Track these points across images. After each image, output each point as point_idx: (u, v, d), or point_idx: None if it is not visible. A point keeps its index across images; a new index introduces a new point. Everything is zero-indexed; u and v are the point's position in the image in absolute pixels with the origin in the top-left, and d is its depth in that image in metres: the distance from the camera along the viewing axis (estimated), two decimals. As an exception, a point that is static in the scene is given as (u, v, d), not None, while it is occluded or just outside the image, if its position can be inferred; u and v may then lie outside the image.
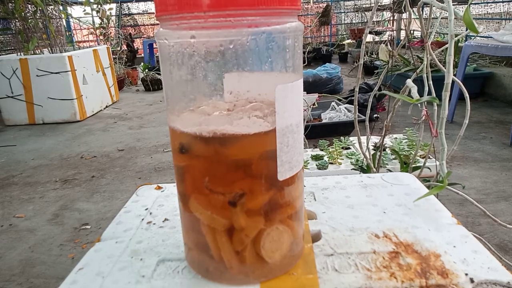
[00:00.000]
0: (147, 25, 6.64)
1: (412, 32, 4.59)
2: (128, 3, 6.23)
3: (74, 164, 2.17)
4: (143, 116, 3.21)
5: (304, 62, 0.91)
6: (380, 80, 0.88)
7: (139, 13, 6.57)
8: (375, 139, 1.52)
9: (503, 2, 4.35)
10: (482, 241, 0.52)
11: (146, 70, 4.40)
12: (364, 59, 0.79)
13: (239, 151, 0.31)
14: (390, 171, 1.32)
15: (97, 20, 4.98)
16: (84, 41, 5.88)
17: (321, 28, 6.75)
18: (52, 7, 3.43)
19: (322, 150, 1.65)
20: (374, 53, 4.59)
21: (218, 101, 0.32)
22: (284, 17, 0.30)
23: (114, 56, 4.42)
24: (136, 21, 6.57)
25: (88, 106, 3.27)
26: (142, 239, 0.43)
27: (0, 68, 2.96)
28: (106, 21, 4.85)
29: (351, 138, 1.76)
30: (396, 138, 1.63)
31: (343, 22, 7.19)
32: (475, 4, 4.56)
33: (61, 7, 3.79)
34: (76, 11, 5.06)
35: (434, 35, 1.45)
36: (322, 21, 5.68)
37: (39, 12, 3.21)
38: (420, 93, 0.60)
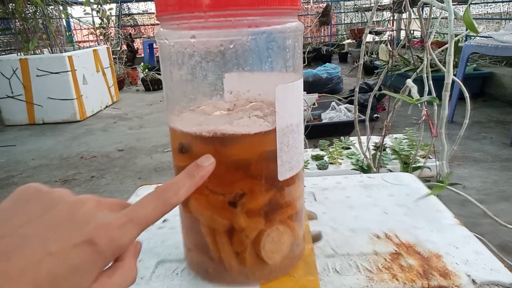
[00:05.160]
0: (147, 25, 6.64)
1: (412, 32, 4.59)
2: (128, 3, 6.22)
3: (74, 164, 2.17)
4: (143, 116, 3.21)
5: (304, 62, 0.91)
6: (380, 80, 0.87)
7: (139, 13, 6.57)
8: (375, 139, 1.52)
9: (503, 2, 4.35)
10: (484, 242, 0.51)
11: (146, 70, 4.39)
12: (364, 59, 0.79)
13: (239, 151, 0.31)
14: (391, 171, 1.32)
15: (97, 20, 4.97)
16: (84, 41, 5.88)
17: (321, 28, 6.74)
18: (52, 7, 3.43)
19: (322, 150, 1.65)
20: (374, 53, 4.59)
21: (218, 101, 0.32)
22: (284, 17, 0.30)
23: (114, 56, 4.42)
24: (136, 21, 6.57)
25: (88, 106, 3.27)
26: (141, 240, 0.42)
27: (0, 68, 2.96)
28: (106, 21, 4.85)
29: (351, 138, 1.75)
30: (396, 138, 1.63)
31: (343, 22, 7.19)
32: (475, 4, 4.56)
33: (61, 7, 3.79)
34: (76, 11, 5.06)
35: (434, 35, 1.45)
36: (322, 21, 5.68)
37: (39, 12, 3.21)
38: (420, 93, 0.60)
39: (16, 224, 0.21)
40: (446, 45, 0.55)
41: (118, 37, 5.35)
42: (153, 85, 4.27)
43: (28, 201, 0.22)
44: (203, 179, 0.28)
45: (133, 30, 6.43)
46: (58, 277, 0.19)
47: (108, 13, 4.82)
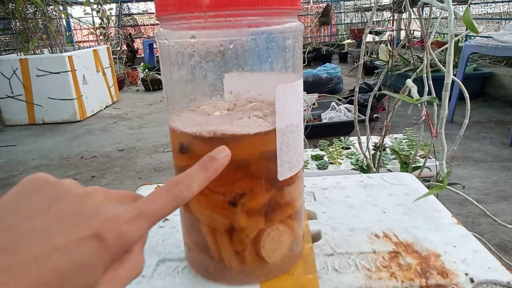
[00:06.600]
0: (147, 25, 6.64)
1: (412, 32, 4.59)
2: (128, 3, 6.22)
3: (74, 164, 2.17)
4: (143, 116, 3.21)
5: (304, 62, 0.91)
6: (380, 80, 0.88)
7: (139, 13, 6.57)
8: (375, 139, 1.52)
9: (503, 2, 4.35)
10: (482, 241, 0.52)
11: (146, 70, 4.39)
12: (364, 59, 0.79)
13: (239, 151, 0.31)
14: (390, 171, 1.32)
15: (97, 20, 4.97)
16: (84, 41, 5.88)
17: (321, 28, 6.74)
18: (52, 7, 3.43)
19: (322, 150, 1.65)
20: (374, 53, 4.59)
21: (218, 101, 0.32)
22: (284, 17, 0.30)
23: (114, 56, 4.42)
24: (136, 21, 6.57)
25: (88, 106, 3.27)
26: (142, 239, 0.43)
27: (0, 68, 2.96)
28: (106, 21, 4.85)
29: (351, 138, 1.76)
30: (396, 138, 1.63)
31: (343, 22, 7.19)
32: (475, 4, 4.56)
33: (61, 7, 3.79)
34: (76, 11, 5.06)
35: (434, 35, 1.45)
36: (322, 21, 5.68)
37: (39, 12, 3.21)
38: (420, 93, 0.60)
39: (21, 217, 0.20)
40: (446, 45, 0.55)
41: (118, 37, 5.35)
42: (153, 85, 4.27)
43: (34, 192, 0.22)
44: (217, 172, 0.26)
45: (133, 30, 6.43)
46: (65, 272, 0.19)
47: (108, 13, 4.82)
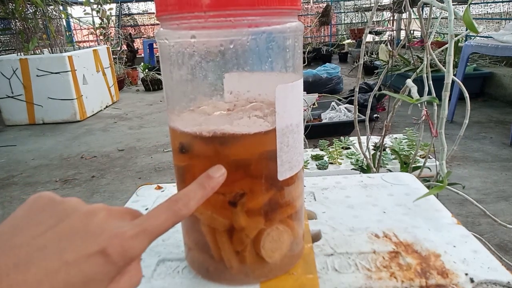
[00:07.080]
0: (147, 25, 6.64)
1: (412, 32, 4.59)
2: (128, 3, 6.22)
3: (74, 164, 2.17)
4: (143, 116, 3.21)
5: (304, 62, 0.91)
6: (380, 80, 0.88)
7: (139, 13, 6.57)
8: (375, 139, 1.52)
9: (503, 2, 4.35)
10: (482, 241, 0.52)
11: (146, 70, 4.39)
12: (364, 59, 0.79)
13: (239, 151, 0.31)
14: (390, 171, 1.32)
15: (97, 20, 4.97)
16: (84, 41, 5.88)
17: (321, 28, 6.74)
18: (52, 7, 3.43)
19: (322, 150, 1.65)
20: (374, 53, 4.59)
21: (218, 101, 0.32)
22: (284, 17, 0.30)
23: (114, 56, 4.42)
24: (136, 21, 6.57)
25: (88, 106, 3.27)
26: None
27: (0, 68, 2.96)
28: (106, 21, 4.85)
29: (351, 138, 1.76)
30: (396, 138, 1.63)
31: (343, 22, 7.19)
32: (475, 4, 4.56)
33: (61, 7, 3.79)
34: (76, 11, 5.06)
35: (434, 35, 1.45)
36: (322, 21, 5.68)
37: (39, 12, 3.21)
38: (420, 93, 0.60)
39: (31, 234, 0.21)
40: (446, 45, 0.55)
41: (118, 37, 5.35)
42: (153, 85, 4.27)
43: (42, 210, 0.23)
44: (214, 190, 0.28)
45: (133, 30, 6.43)
46: (74, 286, 0.20)
47: (108, 13, 4.82)
